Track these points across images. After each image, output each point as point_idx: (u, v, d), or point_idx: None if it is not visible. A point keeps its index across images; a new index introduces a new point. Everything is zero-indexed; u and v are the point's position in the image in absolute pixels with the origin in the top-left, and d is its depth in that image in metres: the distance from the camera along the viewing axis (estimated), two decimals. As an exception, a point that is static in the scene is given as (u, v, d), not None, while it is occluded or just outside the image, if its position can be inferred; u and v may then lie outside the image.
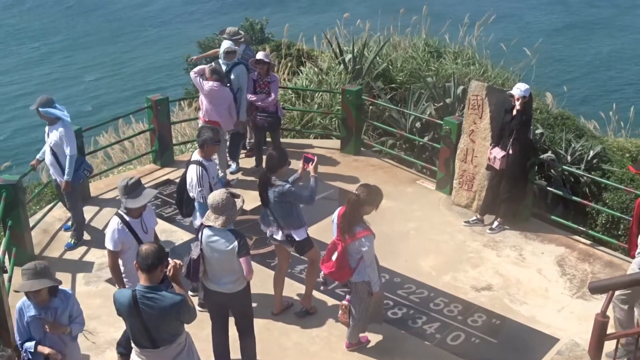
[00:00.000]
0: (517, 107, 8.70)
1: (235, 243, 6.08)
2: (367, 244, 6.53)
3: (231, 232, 6.13)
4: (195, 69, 9.81)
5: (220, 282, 6.30)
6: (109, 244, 6.31)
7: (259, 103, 10.15)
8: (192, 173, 7.30)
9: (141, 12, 41.80)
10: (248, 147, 11.26)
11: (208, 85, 9.58)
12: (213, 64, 10.01)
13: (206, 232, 6.19)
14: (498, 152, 8.86)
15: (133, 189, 6.24)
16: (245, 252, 6.14)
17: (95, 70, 32.22)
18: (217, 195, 6.11)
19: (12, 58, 34.39)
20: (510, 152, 8.79)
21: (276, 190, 7.05)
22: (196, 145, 7.83)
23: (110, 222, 6.40)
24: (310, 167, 7.14)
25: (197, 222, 7.42)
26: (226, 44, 10.15)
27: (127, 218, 6.30)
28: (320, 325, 7.46)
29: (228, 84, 9.96)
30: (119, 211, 6.39)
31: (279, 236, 7.25)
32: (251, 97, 10.22)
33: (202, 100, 9.86)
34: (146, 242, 5.24)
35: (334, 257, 6.66)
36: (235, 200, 6.18)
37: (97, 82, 30.96)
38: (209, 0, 43.09)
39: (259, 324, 7.38)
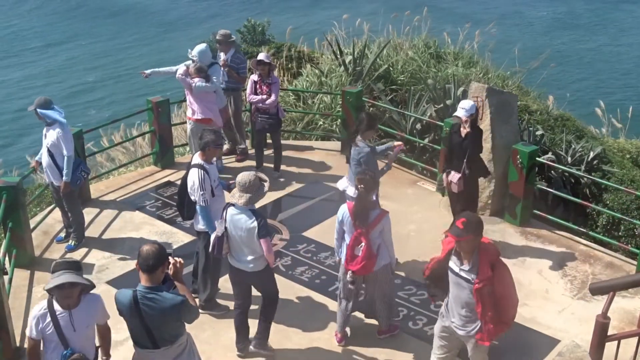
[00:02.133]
0: (467, 128, 8.30)
1: (255, 223, 6.38)
2: (386, 224, 6.78)
3: (252, 212, 6.43)
4: (180, 71, 9.98)
5: (242, 260, 6.60)
6: (27, 327, 5.37)
7: (260, 104, 10.17)
8: (194, 176, 7.23)
9: (145, 14, 41.80)
10: (239, 151, 11.21)
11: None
12: (198, 63, 10.09)
13: (230, 210, 6.52)
14: (454, 176, 8.43)
15: (57, 268, 5.16)
16: (265, 234, 6.42)
17: (99, 73, 32.20)
18: (245, 175, 6.46)
19: (17, 60, 34.38)
20: (467, 171, 8.36)
21: (356, 149, 7.86)
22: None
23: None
24: (392, 154, 7.91)
25: (200, 226, 7.41)
26: (198, 50, 10.17)
27: (54, 304, 5.19)
28: (322, 328, 7.45)
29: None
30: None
31: (351, 192, 7.93)
32: (252, 98, 10.25)
33: (191, 100, 10.02)
34: (147, 243, 5.20)
35: (358, 252, 6.77)
36: (263, 183, 6.53)
37: (100, 84, 30.94)
38: (213, 2, 43.14)
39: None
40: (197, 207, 7.27)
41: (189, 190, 7.31)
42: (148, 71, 10.50)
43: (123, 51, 35.08)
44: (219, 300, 7.70)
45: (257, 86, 10.20)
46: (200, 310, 7.36)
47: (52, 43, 36.56)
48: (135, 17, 41.04)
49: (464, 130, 8.30)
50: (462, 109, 8.27)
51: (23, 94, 29.11)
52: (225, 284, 7.79)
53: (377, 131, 7.96)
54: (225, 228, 6.54)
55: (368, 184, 6.74)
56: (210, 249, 6.73)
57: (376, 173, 7.58)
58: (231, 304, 7.58)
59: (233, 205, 6.52)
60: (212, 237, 6.69)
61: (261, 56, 10.21)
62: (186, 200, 7.42)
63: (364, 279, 7.00)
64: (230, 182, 7.76)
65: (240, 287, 6.86)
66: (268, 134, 10.81)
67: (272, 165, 10.65)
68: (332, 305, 7.79)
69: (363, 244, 6.72)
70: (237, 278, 6.78)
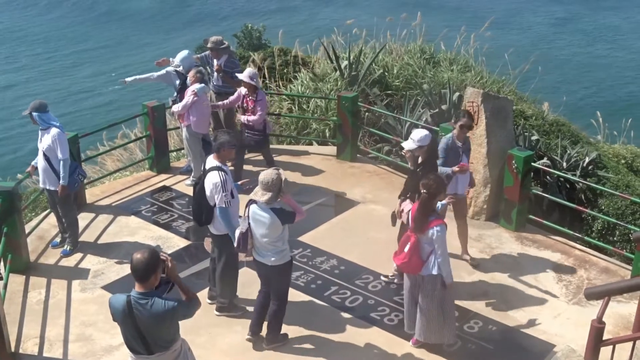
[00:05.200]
0: (411, 166, 7.80)
1: (277, 218, 6.62)
2: (439, 232, 6.69)
3: (273, 210, 6.62)
4: (162, 76, 10.46)
5: (264, 255, 6.82)
6: None
7: (246, 121, 9.98)
8: (215, 178, 7.08)
9: (144, 18, 41.87)
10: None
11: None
12: (199, 67, 10.13)
13: (253, 207, 6.73)
14: (406, 205, 7.62)
15: None
16: (287, 219, 6.69)
17: (97, 77, 32.19)
18: (268, 174, 6.59)
19: (18, 64, 34.40)
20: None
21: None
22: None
23: None
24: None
25: (218, 230, 7.28)
26: (181, 56, 10.39)
27: None
28: (317, 332, 7.44)
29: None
30: None
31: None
32: (239, 117, 10.15)
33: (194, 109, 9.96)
34: (139, 250, 5.11)
35: (406, 249, 6.79)
36: (284, 179, 6.66)
37: (98, 89, 30.93)
38: (211, 6, 43.23)
39: (255, 330, 7.39)
40: (218, 208, 7.11)
41: (208, 194, 7.14)
42: (129, 79, 10.51)
43: (128, 56, 35.08)
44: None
45: (244, 100, 10.03)
46: (217, 313, 7.54)
47: (57, 47, 36.58)
48: (141, 21, 41.06)
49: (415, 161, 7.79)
50: (411, 140, 7.67)
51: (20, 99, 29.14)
52: (243, 289, 7.86)
53: (469, 129, 8.45)
54: (249, 224, 6.74)
55: (431, 189, 6.71)
56: (235, 245, 6.89)
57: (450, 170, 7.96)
58: (247, 306, 7.71)
59: (255, 202, 6.67)
60: (237, 233, 6.83)
61: (243, 75, 9.88)
62: (204, 206, 7.24)
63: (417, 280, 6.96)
64: (241, 182, 7.68)
65: (264, 279, 7.11)
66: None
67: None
68: (328, 309, 7.80)
69: (410, 243, 6.76)
70: (260, 271, 7.04)
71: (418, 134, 7.68)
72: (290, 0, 43.56)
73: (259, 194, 6.60)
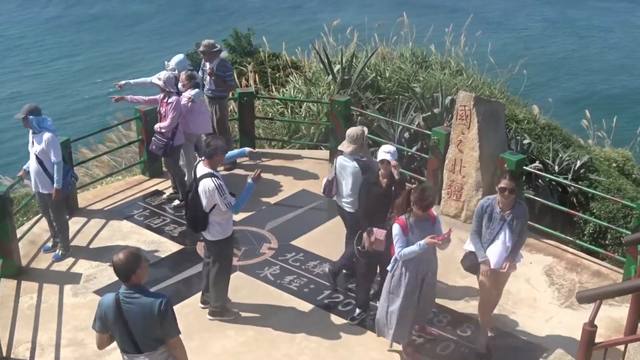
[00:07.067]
0: (397, 174, 7.33)
1: (359, 168, 7.67)
2: (393, 229, 6.66)
3: (356, 161, 7.72)
4: (155, 81, 9.98)
5: (343, 201, 7.96)
6: None
7: (158, 128, 9.63)
8: (211, 186, 6.98)
9: (140, 23, 41.80)
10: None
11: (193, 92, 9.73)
12: (188, 71, 10.11)
13: (340, 158, 7.83)
14: (379, 233, 7.18)
15: None
16: (366, 171, 7.65)
17: (98, 83, 32.10)
18: (354, 129, 7.79)
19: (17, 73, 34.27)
20: (389, 227, 7.03)
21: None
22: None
23: None
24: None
25: (212, 236, 7.25)
26: (176, 60, 10.28)
27: None
28: (310, 336, 7.45)
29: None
30: None
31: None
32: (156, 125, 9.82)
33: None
34: (119, 251, 5.14)
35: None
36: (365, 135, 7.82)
37: (92, 93, 30.84)
38: (207, 11, 43.16)
39: (247, 334, 7.39)
40: (224, 210, 7.05)
41: (204, 203, 7.05)
42: (122, 82, 10.45)
43: (131, 62, 34.96)
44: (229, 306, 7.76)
45: (161, 104, 9.69)
46: (210, 317, 7.58)
47: (55, 55, 36.46)
48: (143, 28, 40.94)
49: (385, 181, 7.30)
50: (388, 153, 7.22)
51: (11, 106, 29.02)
52: (235, 293, 7.86)
53: (512, 193, 6.80)
54: (335, 173, 7.80)
55: (414, 194, 6.53)
56: (322, 191, 8.05)
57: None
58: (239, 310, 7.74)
59: (342, 154, 7.74)
60: (324, 181, 8.00)
61: (157, 81, 9.61)
62: (199, 214, 7.15)
63: None
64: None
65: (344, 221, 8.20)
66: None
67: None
68: (321, 313, 7.80)
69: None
70: (340, 213, 8.16)
71: (389, 147, 7.36)
72: (284, 1, 43.55)
73: (345, 146, 7.69)
